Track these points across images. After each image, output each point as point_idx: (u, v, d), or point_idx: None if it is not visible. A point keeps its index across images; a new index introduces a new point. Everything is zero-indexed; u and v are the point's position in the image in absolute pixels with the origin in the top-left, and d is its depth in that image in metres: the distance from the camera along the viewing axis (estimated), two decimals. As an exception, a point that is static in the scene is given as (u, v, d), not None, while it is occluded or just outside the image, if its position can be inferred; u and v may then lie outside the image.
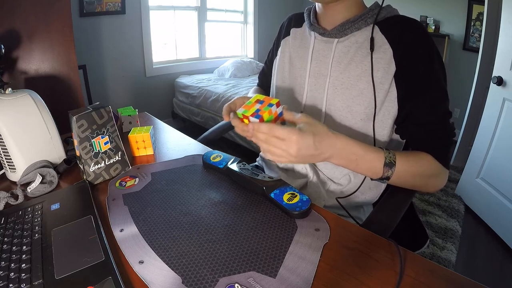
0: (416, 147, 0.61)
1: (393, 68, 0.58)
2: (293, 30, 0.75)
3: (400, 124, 0.62)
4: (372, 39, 0.59)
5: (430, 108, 0.58)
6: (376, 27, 0.60)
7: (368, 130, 0.62)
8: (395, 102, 0.60)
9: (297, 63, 0.71)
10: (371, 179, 0.58)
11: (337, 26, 0.63)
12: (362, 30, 0.61)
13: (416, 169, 0.57)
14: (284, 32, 0.77)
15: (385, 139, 0.63)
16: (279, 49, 0.77)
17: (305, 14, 0.72)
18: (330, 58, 0.65)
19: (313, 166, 0.71)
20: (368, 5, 0.64)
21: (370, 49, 0.59)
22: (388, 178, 0.55)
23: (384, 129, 0.62)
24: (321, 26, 0.67)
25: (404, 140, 0.68)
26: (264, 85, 0.91)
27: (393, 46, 0.58)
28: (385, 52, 0.59)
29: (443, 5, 2.81)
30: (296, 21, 0.76)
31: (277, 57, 0.78)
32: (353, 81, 0.62)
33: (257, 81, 0.96)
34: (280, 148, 0.47)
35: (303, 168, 0.72)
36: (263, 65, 0.92)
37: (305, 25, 0.72)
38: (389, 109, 0.61)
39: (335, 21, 0.64)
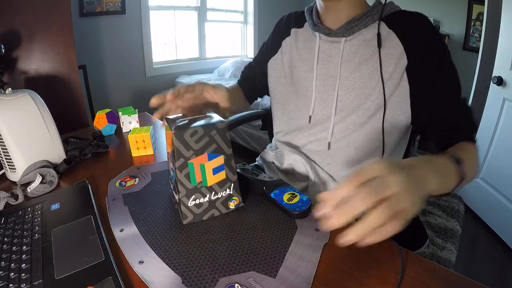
0: (448, 144, 0.57)
1: (404, 61, 0.58)
2: (293, 31, 0.73)
3: (424, 128, 0.63)
4: (379, 35, 0.59)
5: (450, 104, 0.58)
6: (383, 23, 0.60)
7: (378, 127, 0.62)
8: (407, 97, 0.59)
9: (301, 66, 0.69)
10: (449, 194, 0.47)
11: (343, 24, 0.62)
12: (369, 28, 0.61)
13: (472, 156, 0.53)
14: (284, 32, 0.75)
15: (395, 138, 0.63)
16: (279, 49, 0.74)
17: (306, 14, 0.70)
18: (339, 58, 0.63)
19: (314, 167, 0.70)
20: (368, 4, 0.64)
21: (378, 45, 0.59)
22: (463, 178, 0.45)
23: (394, 129, 0.62)
24: (325, 25, 0.66)
25: (406, 144, 0.69)
26: (245, 84, 0.84)
27: (402, 40, 0.58)
28: (395, 47, 0.58)
29: (443, 5, 2.81)
30: (296, 20, 0.73)
31: (275, 56, 0.75)
32: (365, 80, 0.61)
33: (243, 75, 0.86)
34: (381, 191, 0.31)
35: (304, 170, 0.71)
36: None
37: (307, 25, 0.70)
38: (401, 104, 0.60)
39: (339, 20, 0.63)
